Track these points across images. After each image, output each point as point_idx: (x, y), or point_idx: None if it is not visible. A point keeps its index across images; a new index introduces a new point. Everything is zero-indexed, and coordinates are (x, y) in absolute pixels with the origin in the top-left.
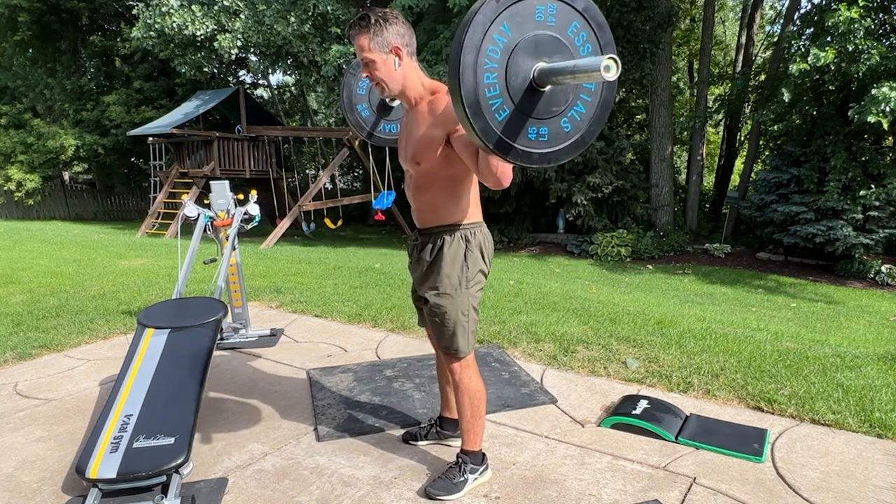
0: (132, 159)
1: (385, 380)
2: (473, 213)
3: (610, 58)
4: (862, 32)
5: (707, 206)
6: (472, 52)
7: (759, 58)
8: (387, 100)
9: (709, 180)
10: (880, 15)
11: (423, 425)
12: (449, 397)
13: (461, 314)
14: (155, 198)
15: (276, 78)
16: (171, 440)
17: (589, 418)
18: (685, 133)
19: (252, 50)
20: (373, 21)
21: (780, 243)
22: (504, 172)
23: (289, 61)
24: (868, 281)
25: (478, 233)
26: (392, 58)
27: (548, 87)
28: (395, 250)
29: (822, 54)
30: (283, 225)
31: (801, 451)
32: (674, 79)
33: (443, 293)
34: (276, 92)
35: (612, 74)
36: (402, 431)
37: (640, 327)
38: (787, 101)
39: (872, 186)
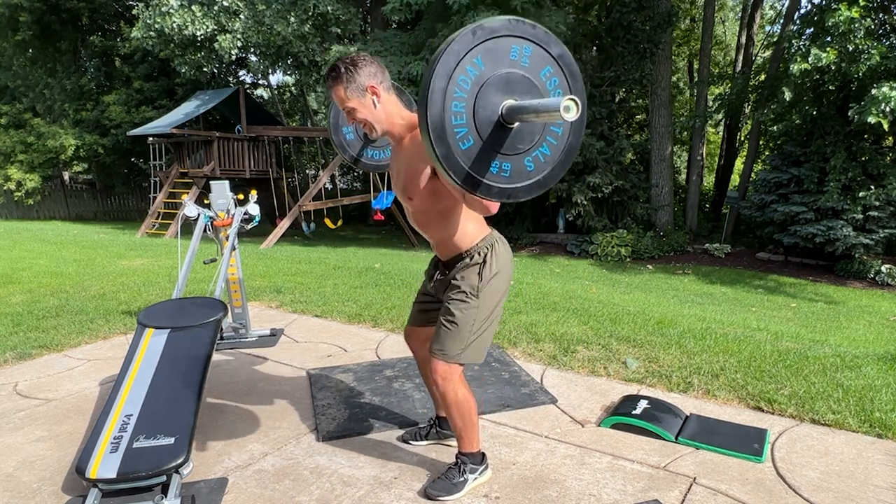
0: (132, 159)
1: (385, 380)
2: (482, 229)
3: (570, 98)
4: (862, 32)
5: (707, 206)
6: (443, 79)
7: (759, 58)
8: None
9: (709, 180)
10: (880, 15)
11: (422, 425)
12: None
13: (474, 325)
14: (155, 198)
15: (276, 78)
16: (171, 440)
17: (589, 418)
18: (685, 133)
19: (252, 50)
20: (343, 70)
21: (780, 243)
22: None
23: (289, 61)
24: (868, 281)
25: (494, 247)
26: (370, 97)
27: (515, 125)
28: (395, 250)
29: (824, 55)
30: (283, 225)
31: (801, 451)
32: (674, 79)
33: (463, 302)
34: (276, 92)
35: (572, 115)
36: (402, 431)
37: (640, 327)
38: (787, 100)
39: (872, 186)
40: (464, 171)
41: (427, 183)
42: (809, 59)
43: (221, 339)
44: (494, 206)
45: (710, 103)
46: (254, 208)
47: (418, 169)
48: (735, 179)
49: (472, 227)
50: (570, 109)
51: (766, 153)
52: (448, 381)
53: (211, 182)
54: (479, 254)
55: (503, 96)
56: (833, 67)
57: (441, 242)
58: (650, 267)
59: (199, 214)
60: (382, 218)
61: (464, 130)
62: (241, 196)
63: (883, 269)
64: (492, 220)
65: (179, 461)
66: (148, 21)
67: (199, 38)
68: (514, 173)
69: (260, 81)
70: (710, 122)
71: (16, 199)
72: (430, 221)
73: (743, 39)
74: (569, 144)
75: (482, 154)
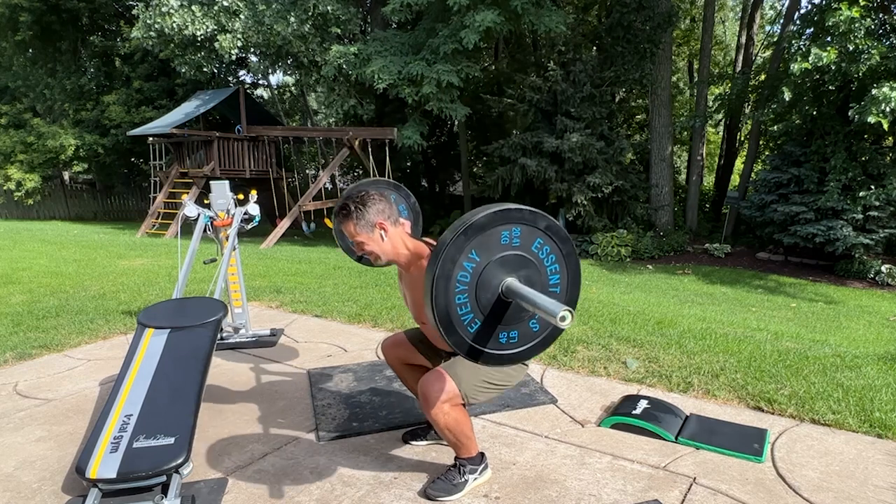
0: (132, 159)
1: (385, 380)
2: None
3: (566, 310)
4: (862, 32)
5: (707, 206)
6: (444, 280)
7: (759, 58)
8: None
9: (709, 180)
10: (880, 15)
11: (422, 425)
12: None
13: (495, 381)
14: (155, 198)
15: (276, 78)
16: (171, 440)
17: (589, 418)
18: (685, 133)
19: (252, 50)
20: (353, 208)
21: (780, 243)
22: None
23: (289, 61)
24: (868, 281)
25: None
26: (378, 232)
27: (513, 300)
28: None
29: (824, 54)
30: (283, 225)
31: (801, 451)
32: (674, 79)
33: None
34: (276, 92)
35: (566, 324)
36: (402, 431)
37: (640, 327)
38: (787, 100)
39: (872, 186)
40: (474, 349)
41: None
42: (810, 58)
43: (221, 339)
44: None
45: (710, 103)
46: (254, 208)
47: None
48: (735, 179)
49: None
50: (566, 319)
51: (766, 153)
52: (441, 405)
53: (211, 182)
54: None
55: (502, 276)
56: (833, 67)
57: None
58: (650, 267)
59: (199, 214)
60: None
61: (470, 317)
62: (241, 196)
63: (883, 269)
64: None
65: (179, 461)
66: (148, 21)
67: (199, 38)
68: (522, 336)
69: (260, 81)
70: (710, 122)
71: (16, 199)
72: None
73: (743, 39)
74: (569, 297)
75: (489, 330)
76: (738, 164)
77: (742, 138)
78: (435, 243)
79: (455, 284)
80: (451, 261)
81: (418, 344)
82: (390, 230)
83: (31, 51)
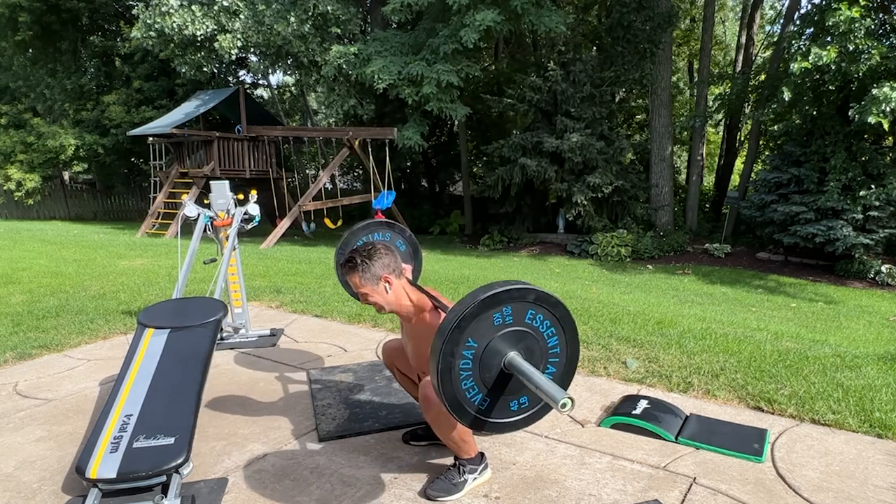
0: (132, 159)
1: (385, 380)
2: None
3: (568, 398)
4: (862, 32)
5: (707, 206)
6: (447, 373)
7: (759, 58)
8: None
9: (709, 180)
10: (880, 15)
11: (422, 425)
12: None
13: None
14: (155, 198)
15: (276, 78)
16: (171, 440)
17: (589, 418)
18: (685, 133)
19: (252, 50)
20: (359, 262)
21: (780, 243)
22: None
23: (289, 61)
24: (868, 281)
25: None
26: (383, 285)
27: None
28: None
29: (824, 54)
30: (283, 225)
31: (801, 451)
32: (674, 79)
33: None
34: (276, 92)
35: (567, 410)
36: (402, 431)
37: (640, 327)
38: (787, 100)
39: (872, 186)
40: (490, 424)
41: None
42: (809, 58)
43: (221, 339)
44: None
45: (710, 103)
46: (254, 208)
47: (426, 350)
48: (735, 179)
49: None
50: (566, 406)
51: (766, 153)
52: (441, 412)
53: (211, 182)
54: None
55: (503, 351)
56: (833, 67)
57: None
58: (650, 267)
59: (199, 214)
60: (383, 218)
61: (479, 397)
62: (241, 196)
63: (883, 269)
64: (493, 220)
65: (179, 461)
66: (148, 21)
67: (199, 38)
68: (532, 399)
69: (260, 81)
70: (710, 122)
71: (16, 199)
72: None
73: (743, 39)
74: (570, 354)
75: (501, 403)
76: (738, 164)
77: (742, 138)
78: (435, 294)
79: (459, 373)
80: (451, 354)
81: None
82: (394, 283)
83: (31, 51)
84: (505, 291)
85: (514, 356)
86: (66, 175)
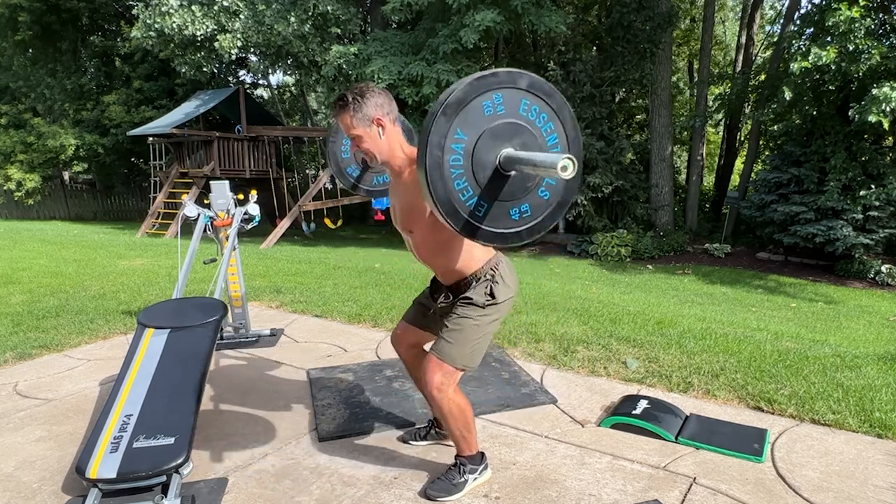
0: (132, 159)
1: (385, 380)
2: (485, 252)
3: (567, 158)
4: (862, 32)
5: (707, 206)
6: (437, 170)
7: (759, 58)
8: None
9: (709, 180)
10: (880, 15)
11: (422, 425)
12: None
13: (482, 333)
14: (155, 198)
15: (276, 78)
16: (171, 440)
17: (589, 418)
18: (685, 133)
19: (252, 50)
20: (351, 99)
21: (780, 243)
22: None
23: (289, 61)
24: (868, 281)
25: (498, 268)
26: (375, 129)
27: (513, 172)
28: (395, 250)
29: (824, 54)
30: (283, 225)
31: (801, 451)
32: (674, 79)
33: (472, 314)
34: (276, 92)
35: (570, 173)
36: (402, 431)
37: (640, 327)
38: (787, 99)
39: (872, 186)
40: (489, 233)
41: (428, 218)
42: (809, 58)
43: (221, 339)
44: None
45: (710, 103)
46: (254, 208)
47: (418, 204)
48: (735, 179)
49: (477, 252)
50: (568, 168)
51: (766, 153)
52: (444, 391)
53: (211, 182)
54: (486, 276)
55: (495, 149)
56: (833, 67)
57: (446, 272)
58: (650, 267)
59: (199, 214)
60: (383, 218)
61: (474, 200)
62: (241, 196)
63: (883, 269)
64: None
65: (179, 461)
66: (148, 21)
67: (199, 38)
68: (535, 208)
69: (260, 81)
70: (710, 122)
71: (16, 199)
72: (433, 251)
73: (743, 39)
74: (573, 153)
75: (499, 209)
76: (738, 164)
77: (742, 138)
78: None
79: (450, 170)
80: (439, 147)
81: (419, 317)
82: (388, 127)
83: (31, 51)
84: (492, 75)
85: (509, 150)
86: (66, 175)
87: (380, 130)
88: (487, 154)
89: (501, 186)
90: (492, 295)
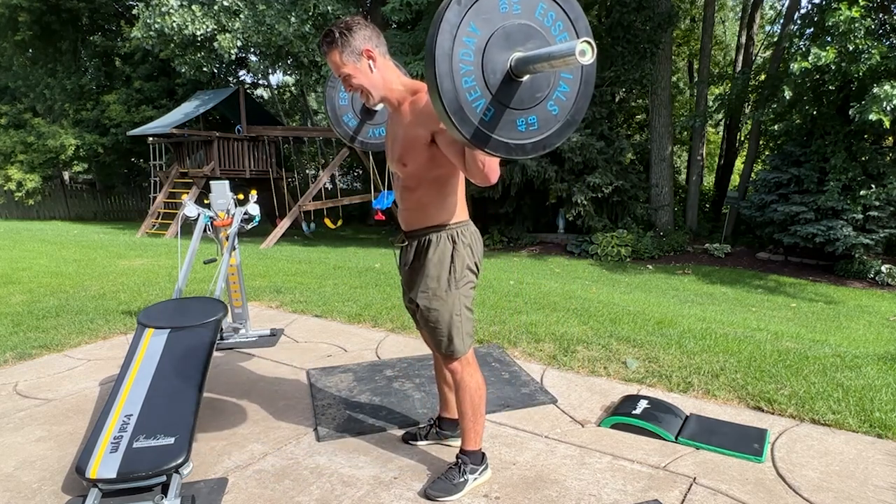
0: (132, 159)
1: (385, 380)
2: (460, 212)
3: (584, 41)
4: (862, 32)
5: (707, 206)
6: (446, 61)
7: (759, 58)
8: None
9: (709, 180)
10: (880, 15)
11: (422, 425)
12: (448, 398)
13: (454, 315)
14: (155, 198)
15: (276, 78)
16: (171, 440)
17: (589, 418)
18: (685, 133)
19: (252, 50)
20: (337, 34)
21: (780, 243)
22: (491, 168)
23: (289, 61)
24: (868, 281)
25: (465, 232)
26: (366, 62)
27: (525, 78)
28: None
29: (824, 54)
30: (283, 225)
31: (801, 451)
32: (674, 79)
33: (433, 296)
34: (276, 92)
35: (589, 58)
36: (402, 431)
37: (640, 327)
38: (787, 99)
39: (872, 186)
40: (495, 140)
41: (426, 150)
42: (809, 58)
43: (221, 339)
44: (494, 175)
45: (710, 103)
46: (254, 208)
47: (417, 135)
48: (735, 179)
49: (453, 203)
50: (586, 52)
51: (766, 153)
52: (466, 366)
53: (211, 182)
54: (449, 238)
55: (508, 52)
56: (833, 67)
57: (419, 207)
58: (650, 267)
59: (199, 214)
60: (383, 218)
61: (482, 102)
62: (241, 196)
63: (883, 269)
64: (493, 220)
65: (179, 461)
66: (148, 21)
67: (199, 38)
68: (542, 122)
69: (260, 81)
70: (710, 122)
71: (16, 199)
72: (421, 185)
73: (743, 39)
74: (586, 73)
75: (506, 116)
76: (738, 164)
77: (742, 138)
78: None
79: (459, 66)
80: (450, 35)
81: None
82: (379, 60)
83: (31, 51)
84: None
85: (519, 54)
86: (66, 175)
87: (370, 63)
88: (499, 55)
89: (511, 93)
90: (451, 270)
